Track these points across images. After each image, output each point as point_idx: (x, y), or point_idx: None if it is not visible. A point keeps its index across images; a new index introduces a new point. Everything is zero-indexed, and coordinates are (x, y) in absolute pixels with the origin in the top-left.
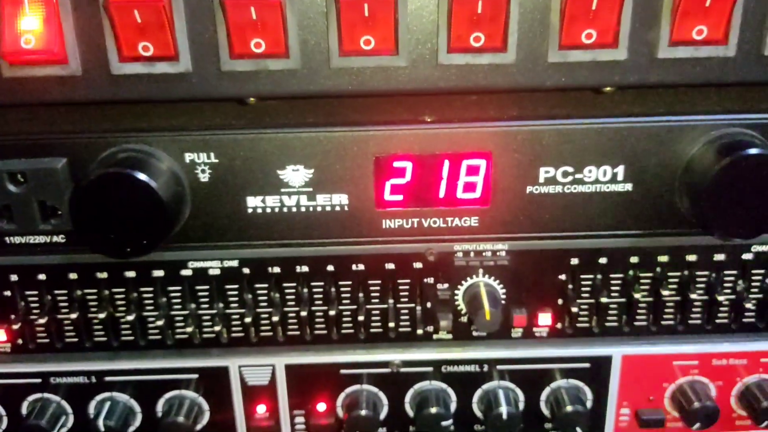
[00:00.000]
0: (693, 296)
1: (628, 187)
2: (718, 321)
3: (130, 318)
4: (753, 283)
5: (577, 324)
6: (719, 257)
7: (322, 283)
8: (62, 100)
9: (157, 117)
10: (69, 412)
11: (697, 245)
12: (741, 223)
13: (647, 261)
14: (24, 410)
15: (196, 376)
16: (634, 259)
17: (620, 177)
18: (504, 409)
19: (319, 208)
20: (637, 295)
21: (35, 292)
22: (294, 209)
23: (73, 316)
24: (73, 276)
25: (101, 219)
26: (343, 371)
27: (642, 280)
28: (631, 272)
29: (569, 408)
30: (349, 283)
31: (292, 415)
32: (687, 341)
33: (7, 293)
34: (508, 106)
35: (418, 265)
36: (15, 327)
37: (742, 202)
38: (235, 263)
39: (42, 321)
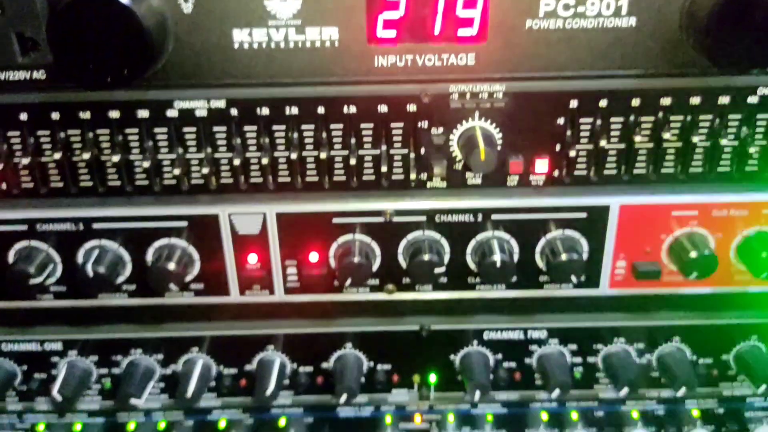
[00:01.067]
0: (695, 140)
1: (632, 21)
2: (719, 169)
3: (116, 159)
4: (758, 129)
5: (575, 172)
6: (724, 100)
7: (312, 127)
8: None
9: None
10: (57, 260)
11: (702, 87)
12: (748, 51)
13: (649, 103)
14: (11, 259)
15: (185, 224)
16: (635, 102)
17: (624, 10)
18: (498, 257)
19: (308, 44)
20: (637, 140)
21: (17, 133)
22: (282, 44)
23: (57, 156)
24: (55, 116)
25: (80, 46)
26: (335, 220)
27: (643, 125)
28: (632, 116)
29: (564, 257)
30: (341, 126)
31: (284, 266)
32: (687, 191)
33: None
34: None
35: (412, 107)
36: None
37: (750, 29)
38: (222, 104)
39: (25, 163)
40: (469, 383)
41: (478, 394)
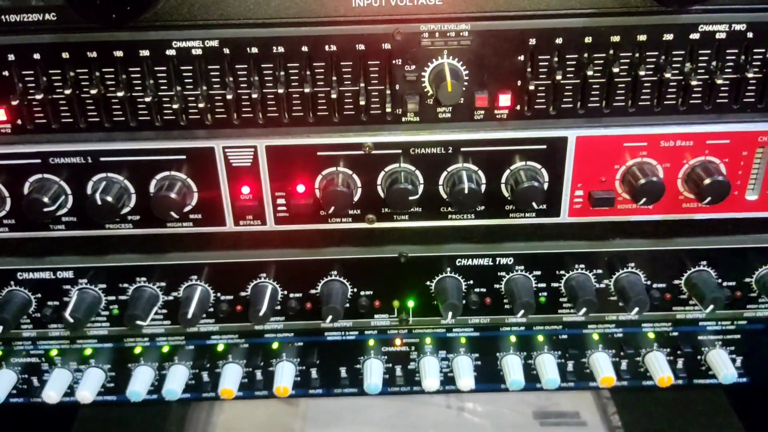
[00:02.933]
0: (642, 75)
1: None
2: (666, 102)
3: (120, 95)
4: (700, 64)
5: (535, 106)
6: (668, 37)
7: (297, 65)
8: None
9: None
10: (68, 192)
11: (647, 24)
12: None
13: (600, 41)
14: (25, 191)
15: (184, 157)
16: (588, 39)
17: None
18: (466, 185)
19: None
20: (590, 74)
21: (31, 72)
22: None
23: (67, 92)
24: (65, 55)
25: None
26: (319, 153)
27: (595, 61)
28: (585, 53)
29: (525, 185)
30: (323, 64)
31: (274, 197)
32: (637, 123)
33: (6, 73)
34: None
35: (386, 46)
36: (14, 105)
37: None
38: (215, 43)
39: (38, 98)
40: (443, 305)
41: (450, 314)
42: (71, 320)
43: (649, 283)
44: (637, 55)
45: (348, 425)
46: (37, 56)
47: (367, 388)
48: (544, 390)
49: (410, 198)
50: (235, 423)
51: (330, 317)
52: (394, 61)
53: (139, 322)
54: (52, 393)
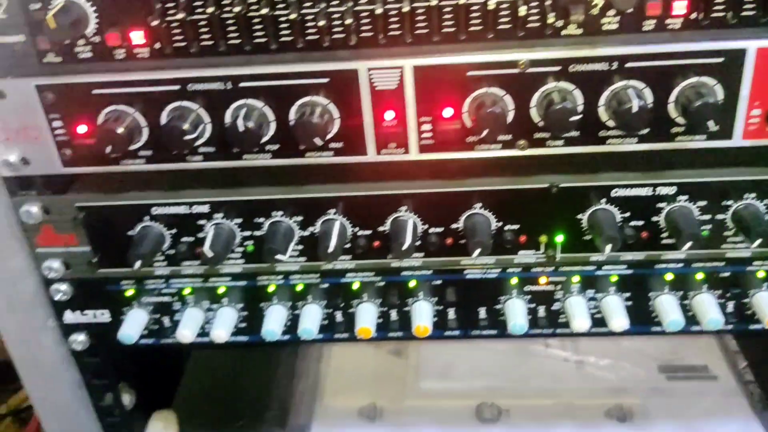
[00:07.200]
0: None
1: None
2: None
3: (264, 12)
4: None
5: (713, 14)
6: None
7: None
8: None
9: None
10: (206, 120)
11: None
12: None
13: None
14: (163, 120)
15: (326, 80)
16: None
17: None
18: (635, 102)
19: None
20: None
21: None
22: None
23: (209, 10)
24: None
25: None
26: (470, 73)
27: None
28: None
29: (699, 102)
30: None
31: (419, 122)
32: None
33: None
34: None
35: None
36: (152, 26)
37: None
38: None
39: (178, 18)
40: (600, 237)
41: (609, 247)
42: (211, 254)
43: None
44: None
45: (462, 377)
46: None
47: (512, 329)
48: (701, 332)
49: (571, 119)
50: (345, 374)
51: (477, 251)
52: None
53: (278, 257)
54: (187, 332)
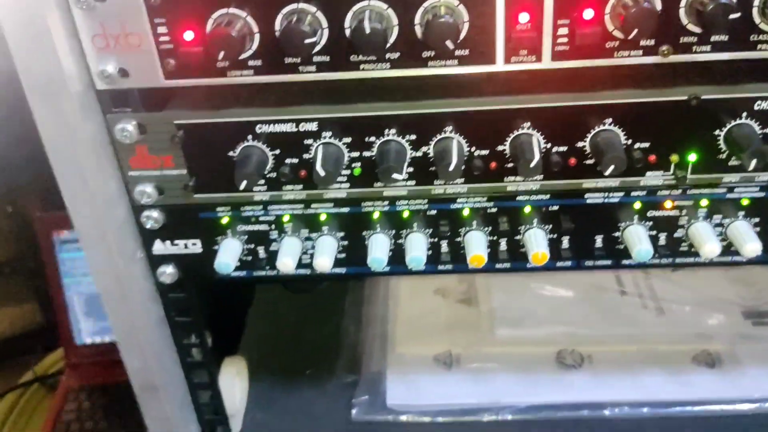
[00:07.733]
0: None
1: None
2: None
3: None
4: None
5: None
6: None
7: None
8: None
9: None
10: (324, 25)
11: None
12: None
13: None
14: (278, 24)
15: None
16: None
17: None
18: None
19: None
20: None
21: None
22: None
23: None
24: None
25: None
26: None
27: None
28: None
29: None
30: None
31: (556, 25)
32: None
33: None
34: None
35: None
36: None
37: None
38: None
39: None
40: (745, 152)
41: (754, 162)
42: (323, 173)
43: None
44: None
45: (539, 324)
46: None
47: (637, 255)
48: None
49: (731, 16)
50: (415, 322)
51: (612, 167)
52: None
53: (395, 175)
54: (288, 260)
